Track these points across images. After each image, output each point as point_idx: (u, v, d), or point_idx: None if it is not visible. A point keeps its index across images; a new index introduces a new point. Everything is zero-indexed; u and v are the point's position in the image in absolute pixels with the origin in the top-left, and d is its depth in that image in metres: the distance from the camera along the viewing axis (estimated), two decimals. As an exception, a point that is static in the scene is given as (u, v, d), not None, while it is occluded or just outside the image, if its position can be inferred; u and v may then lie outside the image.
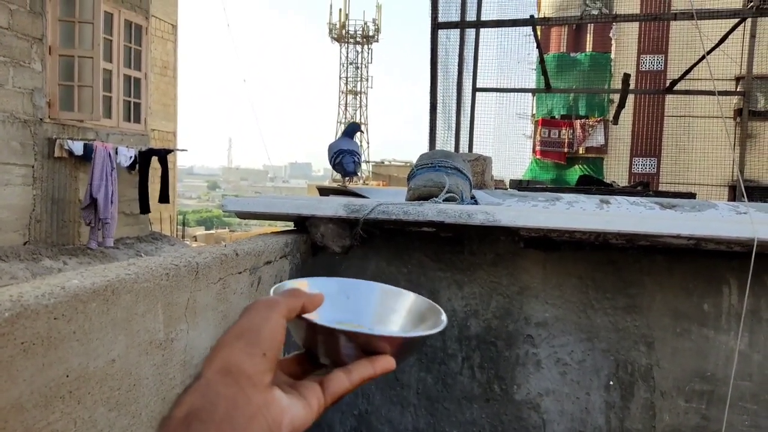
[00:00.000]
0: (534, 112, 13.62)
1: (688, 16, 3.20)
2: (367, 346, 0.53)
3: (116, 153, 6.50)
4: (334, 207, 1.40)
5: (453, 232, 1.40)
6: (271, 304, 0.49)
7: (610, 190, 3.11)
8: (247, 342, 0.46)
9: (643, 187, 4.27)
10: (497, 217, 1.28)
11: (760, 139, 11.58)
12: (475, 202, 1.77)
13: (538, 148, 13.38)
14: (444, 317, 0.58)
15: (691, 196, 2.99)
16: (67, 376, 0.73)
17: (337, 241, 1.46)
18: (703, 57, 3.29)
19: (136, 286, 0.86)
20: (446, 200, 1.59)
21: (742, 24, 4.62)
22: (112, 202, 6.26)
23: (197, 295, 1.03)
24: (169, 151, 7.52)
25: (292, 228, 1.54)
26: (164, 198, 7.40)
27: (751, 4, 3.16)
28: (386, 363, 0.52)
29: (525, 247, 1.36)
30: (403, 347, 0.54)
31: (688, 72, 4.53)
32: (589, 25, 13.18)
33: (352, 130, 3.27)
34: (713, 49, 3.80)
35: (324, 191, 2.66)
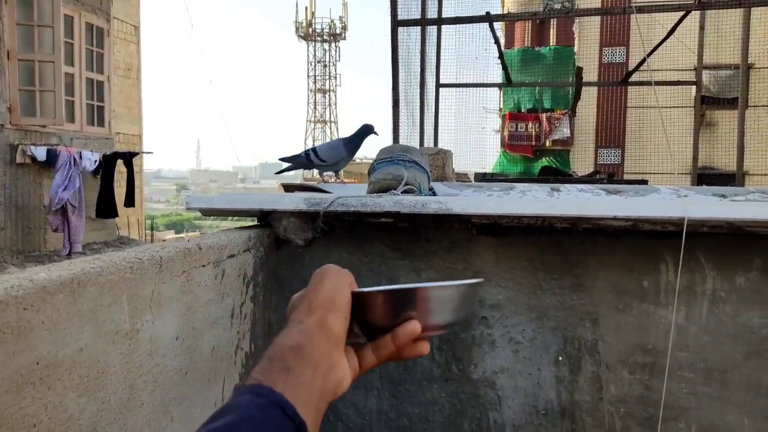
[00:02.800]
0: (501, 106, 13.82)
1: (636, 9, 3.34)
2: (399, 306, 0.58)
3: (81, 157, 6.42)
4: (295, 201, 1.45)
5: (410, 222, 1.46)
6: (344, 276, 0.59)
7: (566, 179, 3.23)
8: (337, 306, 0.57)
9: (608, 177, 4.42)
10: (449, 205, 1.36)
11: (719, 128, 11.97)
12: (434, 194, 1.84)
13: (506, 141, 13.58)
14: (474, 280, 0.64)
15: (643, 182, 3.12)
16: (38, 364, 0.78)
17: (300, 234, 1.51)
18: (655, 49, 3.44)
19: (101, 278, 0.91)
20: (405, 192, 1.66)
21: (697, 15, 4.82)
22: (78, 207, 6.19)
23: (161, 288, 1.08)
24: (134, 154, 7.45)
25: (256, 224, 1.59)
26: (130, 202, 7.33)
27: (696, -3, 3.33)
28: (408, 330, 0.58)
29: (478, 233, 1.44)
30: (425, 302, 0.58)
31: (641, 63, 4.69)
32: (551, 19, 13.42)
33: (364, 131, 2.91)
34: (662, 42, 3.96)
35: (289, 188, 2.71)
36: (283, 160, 2.90)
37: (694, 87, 7.40)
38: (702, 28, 4.89)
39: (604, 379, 1.37)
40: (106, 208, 6.86)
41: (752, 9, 6.49)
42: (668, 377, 1.33)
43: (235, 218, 1.89)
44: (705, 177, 8.81)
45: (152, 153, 16.49)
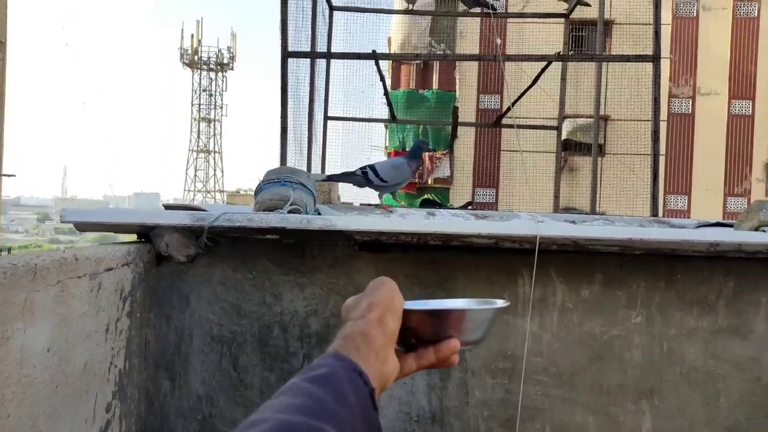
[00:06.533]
0: (387, 144, 14.28)
1: (505, 58, 3.71)
2: (444, 324, 0.67)
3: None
4: (180, 216, 1.46)
5: (295, 238, 1.52)
6: (395, 287, 0.67)
7: (441, 207, 3.45)
8: (394, 308, 0.64)
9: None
10: (334, 222, 1.43)
11: (581, 172, 13.20)
12: (319, 215, 1.91)
13: (390, 178, 13.93)
14: (501, 302, 0.72)
15: (511, 212, 3.39)
16: None
17: (182, 250, 1.51)
18: (521, 96, 3.83)
19: (-30, 281, 0.88)
20: (290, 212, 1.72)
21: (559, 68, 5.39)
22: None
23: (35, 296, 1.04)
24: (-8, 175, 6.80)
25: (136, 240, 1.56)
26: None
27: (557, 51, 3.76)
28: (450, 346, 0.67)
29: (360, 250, 1.52)
30: (466, 322, 0.67)
31: (508, 110, 5.16)
32: (435, 64, 14.20)
33: (420, 146, 2.67)
34: (526, 90, 4.41)
35: (171, 207, 2.65)
36: (331, 178, 2.58)
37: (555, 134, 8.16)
38: (563, 79, 5.49)
39: (471, 385, 1.49)
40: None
41: (607, 65, 7.36)
42: (525, 381, 1.48)
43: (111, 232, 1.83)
44: (568, 214, 9.64)
45: (15, 176, 15.02)
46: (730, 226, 1.88)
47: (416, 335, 0.68)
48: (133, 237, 1.58)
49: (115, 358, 1.38)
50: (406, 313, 0.67)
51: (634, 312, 1.49)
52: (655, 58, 3.64)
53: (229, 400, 1.52)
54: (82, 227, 1.56)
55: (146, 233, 1.51)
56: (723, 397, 1.45)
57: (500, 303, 0.72)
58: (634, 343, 1.49)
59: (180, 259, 1.52)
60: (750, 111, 15.05)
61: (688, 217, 14.97)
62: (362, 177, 2.43)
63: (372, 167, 2.45)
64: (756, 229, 1.57)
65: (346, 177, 2.49)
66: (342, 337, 0.61)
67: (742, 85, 15.05)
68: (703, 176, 14.86)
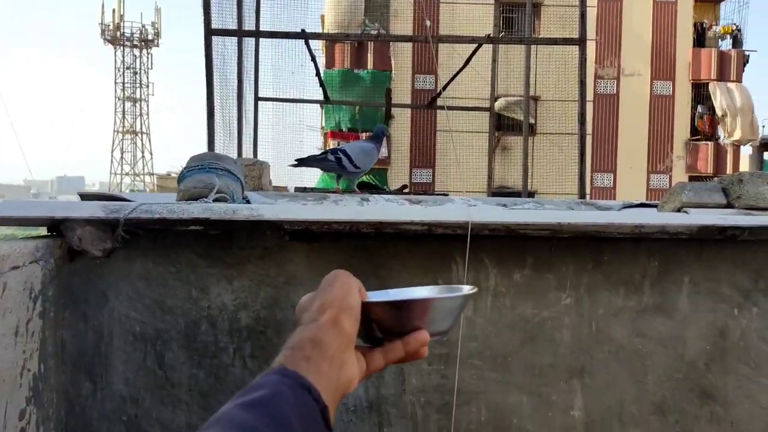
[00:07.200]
0: (323, 124, 14.13)
1: (437, 39, 3.69)
2: (408, 315, 0.62)
3: None
4: (92, 208, 1.36)
5: (221, 229, 1.45)
6: (354, 283, 0.62)
7: (378, 192, 3.43)
8: (349, 306, 0.59)
9: (416, 193, 4.77)
10: (261, 212, 1.37)
11: (513, 151, 13.54)
12: (248, 203, 1.84)
13: (327, 159, 13.83)
14: (468, 288, 0.68)
15: (445, 195, 3.42)
16: None
17: (97, 244, 1.41)
18: (454, 77, 3.85)
19: None
20: (216, 200, 1.64)
21: (490, 49, 5.45)
22: None
23: None
24: None
25: (46, 234, 1.45)
26: None
27: (487, 33, 3.79)
28: (418, 338, 0.62)
29: (290, 240, 1.47)
30: (434, 312, 0.63)
31: (443, 90, 5.19)
32: (369, 44, 14.10)
33: (382, 132, 2.61)
34: (459, 71, 4.44)
35: (87, 197, 2.49)
36: (300, 162, 2.43)
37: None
38: (494, 60, 5.56)
39: (407, 372, 1.48)
40: None
41: (536, 47, 7.52)
42: (460, 365, 1.48)
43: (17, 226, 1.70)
44: (499, 195, 9.90)
45: None
46: (654, 206, 1.94)
47: (381, 329, 0.64)
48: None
49: (27, 361, 1.28)
50: (368, 306, 0.62)
51: (563, 294, 1.52)
52: (581, 41, 3.72)
53: (156, 399, 1.45)
54: (-16, 221, 1.43)
55: (57, 227, 1.40)
56: (650, 374, 1.50)
57: (467, 289, 0.69)
58: (565, 324, 1.52)
59: (95, 254, 1.42)
60: (671, 91, 15.85)
61: (614, 195, 15.70)
62: (335, 163, 2.33)
63: (343, 152, 2.35)
64: (678, 211, 1.63)
65: (316, 162, 2.40)
66: (289, 348, 0.56)
67: (662, 67, 15.80)
68: (627, 154, 15.58)
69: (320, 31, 9.58)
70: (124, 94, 38.48)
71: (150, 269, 1.45)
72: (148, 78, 38.76)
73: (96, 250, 1.41)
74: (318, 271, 1.48)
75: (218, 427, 0.45)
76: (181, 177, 1.76)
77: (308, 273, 1.48)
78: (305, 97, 7.77)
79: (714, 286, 1.51)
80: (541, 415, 1.52)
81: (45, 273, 1.32)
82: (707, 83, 15.90)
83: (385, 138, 2.59)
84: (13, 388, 1.22)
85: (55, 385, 1.41)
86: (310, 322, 0.58)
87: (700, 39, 16.26)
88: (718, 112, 15.88)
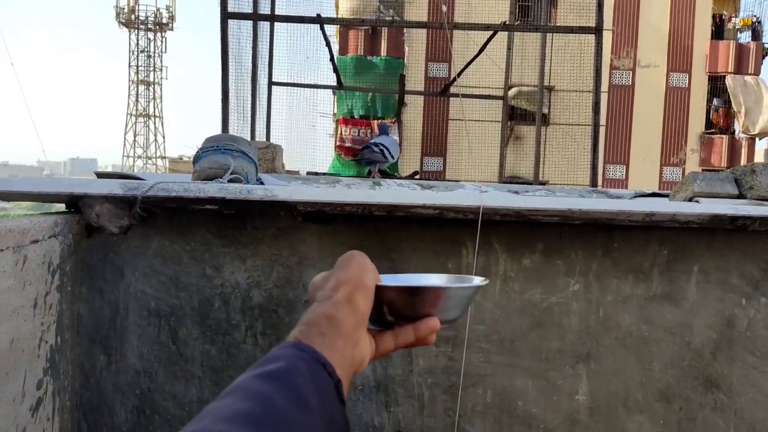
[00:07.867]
0: (335, 110, 14.11)
1: (452, 26, 3.68)
2: (421, 302, 0.63)
3: None
4: (110, 185, 1.38)
5: (236, 209, 1.47)
6: (370, 264, 0.63)
7: (389, 178, 3.45)
8: (364, 285, 0.60)
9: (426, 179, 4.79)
10: (275, 192, 1.39)
11: (526, 141, 13.45)
12: (261, 184, 1.86)
13: (339, 145, 13.86)
14: (479, 279, 0.69)
15: (456, 182, 3.43)
16: None
17: (115, 221, 1.44)
18: (468, 64, 3.83)
19: None
20: (231, 181, 1.66)
21: (505, 37, 5.41)
22: None
23: (-52, 272, 0.97)
24: None
25: (65, 210, 1.48)
26: None
27: (503, 21, 3.76)
28: (429, 325, 0.63)
29: (303, 221, 1.49)
30: (446, 300, 0.64)
31: (456, 78, 5.17)
32: (383, 30, 14.02)
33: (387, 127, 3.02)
34: (474, 58, 4.42)
35: (103, 176, 2.53)
36: (356, 158, 2.79)
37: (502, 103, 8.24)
38: (509, 48, 5.52)
39: (415, 353, 1.50)
40: None
41: (551, 36, 7.46)
42: (467, 348, 1.50)
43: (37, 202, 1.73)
44: (511, 185, 9.84)
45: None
46: (666, 196, 1.94)
47: (393, 312, 0.65)
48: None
49: (45, 333, 1.31)
50: (382, 289, 0.63)
51: (572, 280, 1.53)
52: (597, 30, 3.69)
53: (169, 374, 1.48)
54: (6, 197, 1.46)
55: (75, 203, 1.43)
56: (656, 361, 1.51)
57: (478, 281, 0.69)
58: (572, 310, 1.53)
59: (112, 231, 1.45)
60: (686, 84, 15.64)
61: (626, 187, 15.58)
62: (380, 153, 2.73)
63: (383, 145, 2.73)
64: (689, 200, 1.63)
65: (369, 155, 2.69)
66: (304, 323, 0.56)
67: (679, 59, 15.58)
68: (641, 146, 15.43)
69: (335, 16, 9.55)
70: (137, 77, 38.61)
71: (166, 247, 1.48)
72: (162, 62, 38.85)
73: (113, 227, 1.44)
74: (330, 253, 1.50)
75: (236, 396, 0.46)
76: (197, 157, 1.78)
77: (320, 254, 1.50)
78: (318, 83, 7.77)
79: (723, 275, 1.51)
80: (547, 398, 1.54)
81: (63, 248, 1.36)
82: (723, 76, 15.68)
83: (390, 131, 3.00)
84: (31, 359, 1.25)
85: (71, 357, 1.45)
86: (325, 300, 0.59)
87: (718, 31, 16.01)
88: (735, 106, 15.67)
